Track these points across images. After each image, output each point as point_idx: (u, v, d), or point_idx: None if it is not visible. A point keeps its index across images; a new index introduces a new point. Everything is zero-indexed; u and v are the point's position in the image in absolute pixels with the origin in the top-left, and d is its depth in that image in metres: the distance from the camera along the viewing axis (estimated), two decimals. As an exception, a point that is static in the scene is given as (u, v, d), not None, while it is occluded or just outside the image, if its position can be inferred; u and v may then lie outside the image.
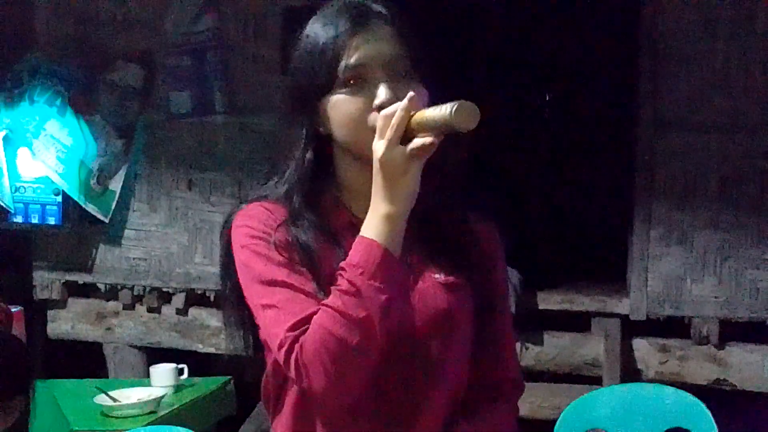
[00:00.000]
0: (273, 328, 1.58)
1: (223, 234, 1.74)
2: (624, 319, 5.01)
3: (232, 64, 5.35)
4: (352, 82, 1.61)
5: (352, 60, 1.60)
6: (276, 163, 1.76)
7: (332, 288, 1.53)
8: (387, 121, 1.50)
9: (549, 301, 5.18)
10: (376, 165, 1.52)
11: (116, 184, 5.49)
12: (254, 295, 1.64)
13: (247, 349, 1.77)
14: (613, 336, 5.00)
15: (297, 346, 1.52)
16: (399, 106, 1.50)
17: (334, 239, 1.65)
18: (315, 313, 1.53)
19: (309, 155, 1.69)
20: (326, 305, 1.52)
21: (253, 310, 1.66)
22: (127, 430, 3.39)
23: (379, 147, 1.51)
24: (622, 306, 5.01)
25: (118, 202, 5.50)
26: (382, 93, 1.58)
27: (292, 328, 1.54)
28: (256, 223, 1.67)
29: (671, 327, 4.99)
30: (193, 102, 5.40)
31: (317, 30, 1.66)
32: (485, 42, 7.30)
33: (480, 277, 1.73)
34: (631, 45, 5.04)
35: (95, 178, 5.41)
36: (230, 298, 1.75)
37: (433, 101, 1.51)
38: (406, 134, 1.49)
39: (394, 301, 1.52)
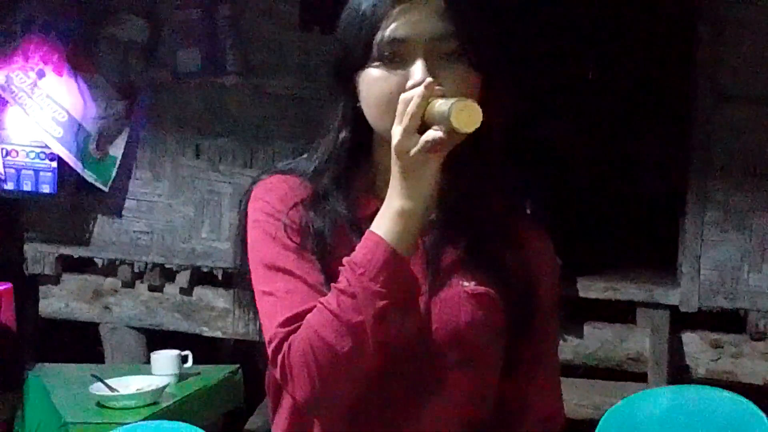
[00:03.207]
0: (267, 319, 1.60)
1: (242, 203, 1.74)
2: (673, 310, 4.99)
3: (246, 19, 5.34)
4: (388, 56, 1.58)
5: (390, 32, 1.58)
6: (312, 140, 1.75)
7: (332, 285, 1.53)
8: (404, 107, 1.49)
9: (590, 289, 5.16)
10: (393, 154, 1.52)
11: (117, 150, 5.48)
12: (256, 279, 1.65)
13: (259, 334, 1.74)
14: (661, 329, 4.98)
15: (286, 344, 1.53)
16: (416, 92, 1.49)
17: (356, 228, 1.63)
18: (312, 309, 1.53)
19: (344, 134, 1.68)
20: (322, 304, 1.52)
21: (255, 295, 1.66)
22: (126, 423, 3.40)
23: (395, 134, 1.50)
24: (671, 296, 4.99)
25: (118, 169, 5.49)
26: (418, 72, 1.55)
27: (284, 324, 1.55)
28: (271, 197, 1.68)
29: (725, 320, 4.97)
30: (202, 60, 5.38)
31: None
32: (537, 16, 7.24)
33: (518, 292, 1.68)
34: (689, 9, 5.00)
35: (94, 143, 5.40)
36: (243, 276, 1.74)
37: (489, 89, 1.49)
38: (425, 123, 1.48)
39: (394, 308, 1.51)
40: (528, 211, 5.01)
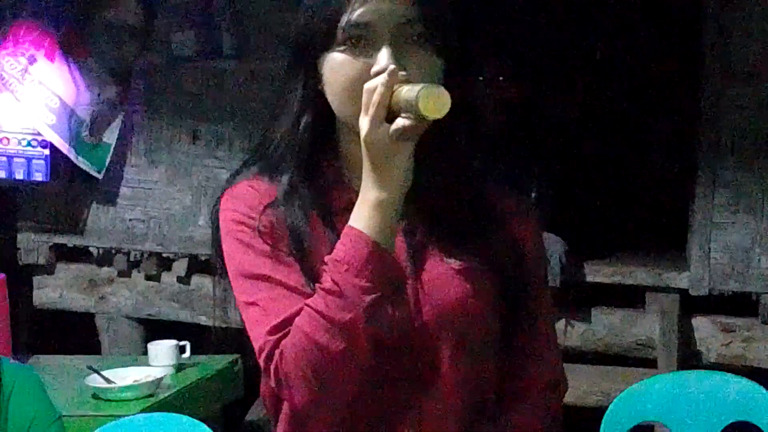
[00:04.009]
0: (253, 330, 1.61)
1: (213, 216, 1.75)
2: (683, 294, 4.97)
3: (242, 0, 5.33)
4: (353, 41, 1.58)
5: (355, 15, 1.57)
6: (267, 129, 1.74)
7: (316, 286, 1.54)
8: (369, 97, 1.49)
9: (598, 273, 5.15)
10: (362, 145, 1.52)
11: (111, 136, 5.48)
12: (237, 291, 1.66)
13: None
14: (671, 313, 4.97)
15: (277, 352, 1.54)
16: (380, 80, 1.48)
17: (330, 221, 1.65)
18: (299, 312, 1.54)
19: (306, 118, 1.67)
20: (309, 306, 1.53)
21: (239, 307, 1.67)
22: (123, 415, 3.40)
23: (363, 125, 1.50)
24: (681, 280, 4.98)
25: (113, 156, 5.49)
26: (383, 58, 1.55)
27: (272, 331, 1.56)
28: (240, 205, 1.68)
29: (736, 304, 4.97)
30: (198, 43, 5.38)
31: None
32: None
33: (506, 263, 1.70)
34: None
35: (88, 129, 5.40)
36: (220, 296, 1.77)
37: (454, 74, 1.49)
38: (392, 112, 1.48)
39: (383, 302, 1.52)
40: (533, 195, 5.02)
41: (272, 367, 1.54)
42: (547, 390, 1.79)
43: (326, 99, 1.65)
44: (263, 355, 1.56)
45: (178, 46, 5.39)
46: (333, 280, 1.50)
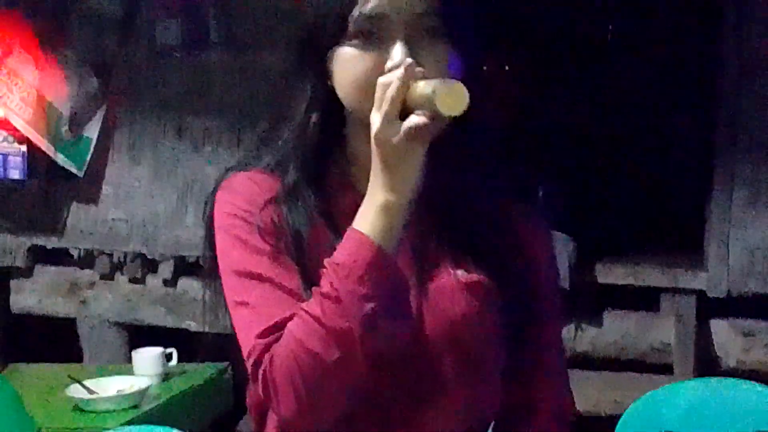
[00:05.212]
0: (243, 332, 1.59)
1: (206, 209, 1.73)
2: (700, 296, 5.02)
3: (231, -12, 5.32)
4: (365, 34, 1.58)
5: (368, 8, 1.56)
6: (276, 122, 1.74)
7: (313, 290, 1.52)
8: (383, 92, 1.47)
9: (610, 275, 5.20)
10: (373, 143, 1.49)
11: (92, 131, 5.48)
12: (229, 289, 1.64)
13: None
14: (687, 316, 5.02)
15: (267, 357, 1.52)
16: (395, 75, 1.47)
17: (333, 224, 1.63)
18: (292, 317, 1.52)
19: (314, 117, 1.67)
20: (304, 311, 1.50)
21: (229, 308, 1.65)
22: (105, 428, 3.39)
23: (375, 121, 1.48)
24: (698, 281, 5.02)
25: (93, 152, 5.49)
26: (398, 52, 1.54)
27: (263, 334, 1.53)
28: (238, 199, 1.67)
29: (757, 306, 4.95)
30: (182, 33, 5.39)
31: None
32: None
33: (515, 278, 1.69)
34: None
35: (67, 124, 5.40)
36: (211, 299, 1.75)
37: (471, 70, 1.48)
38: (406, 109, 1.46)
39: (384, 312, 1.49)
40: (541, 193, 5.01)
41: (260, 372, 1.52)
42: (553, 415, 1.79)
43: (336, 97, 1.63)
44: (251, 359, 1.54)
45: (162, 35, 5.40)
46: (331, 285, 1.48)
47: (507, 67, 5.32)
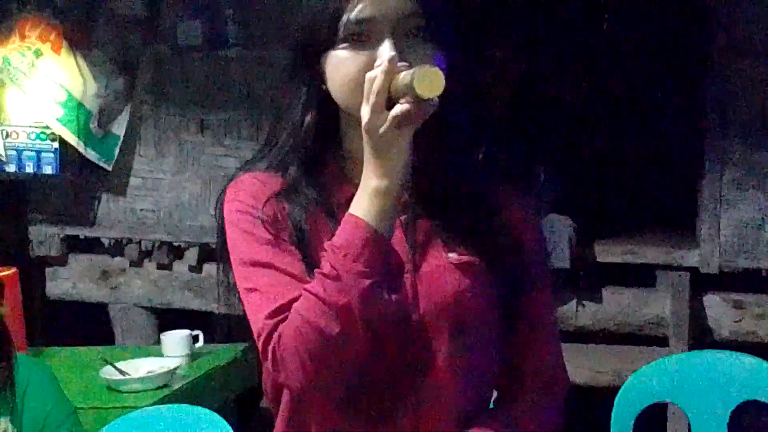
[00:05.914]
0: (253, 314, 1.62)
1: (217, 207, 1.76)
2: (693, 272, 5.01)
3: (247, -11, 5.34)
4: (354, 38, 1.60)
5: (355, 13, 1.59)
6: (274, 125, 1.77)
7: (315, 271, 1.55)
8: (370, 85, 1.51)
9: (608, 253, 5.18)
10: (363, 134, 1.53)
11: (119, 127, 5.52)
12: (239, 278, 1.67)
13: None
14: (681, 291, 5.00)
15: (275, 335, 1.55)
16: (380, 69, 1.50)
17: (332, 216, 1.66)
18: (298, 298, 1.55)
19: (310, 118, 1.69)
20: (307, 290, 1.54)
21: (240, 294, 1.68)
22: (137, 407, 3.40)
23: (364, 113, 1.52)
24: (691, 257, 5.00)
25: (121, 147, 5.53)
26: (385, 51, 1.56)
27: (271, 315, 1.57)
28: (244, 196, 1.70)
29: (747, 281, 4.97)
30: (204, 33, 5.40)
31: None
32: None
33: (505, 258, 1.71)
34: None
35: (96, 121, 5.43)
36: (225, 283, 1.77)
37: (455, 65, 1.50)
38: (393, 100, 1.50)
39: (379, 287, 1.52)
40: (541, 177, 5.01)
41: (270, 348, 1.55)
42: (546, 387, 1.80)
43: (330, 98, 1.66)
44: (261, 337, 1.57)
45: (183, 36, 5.40)
46: (331, 265, 1.51)
47: (504, 51, 5.29)
